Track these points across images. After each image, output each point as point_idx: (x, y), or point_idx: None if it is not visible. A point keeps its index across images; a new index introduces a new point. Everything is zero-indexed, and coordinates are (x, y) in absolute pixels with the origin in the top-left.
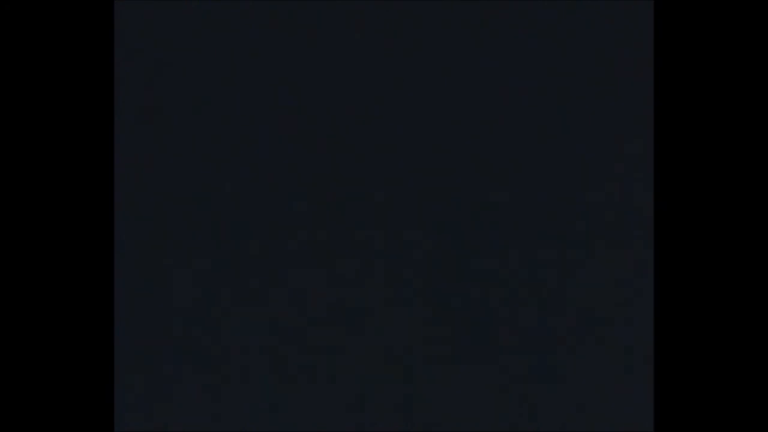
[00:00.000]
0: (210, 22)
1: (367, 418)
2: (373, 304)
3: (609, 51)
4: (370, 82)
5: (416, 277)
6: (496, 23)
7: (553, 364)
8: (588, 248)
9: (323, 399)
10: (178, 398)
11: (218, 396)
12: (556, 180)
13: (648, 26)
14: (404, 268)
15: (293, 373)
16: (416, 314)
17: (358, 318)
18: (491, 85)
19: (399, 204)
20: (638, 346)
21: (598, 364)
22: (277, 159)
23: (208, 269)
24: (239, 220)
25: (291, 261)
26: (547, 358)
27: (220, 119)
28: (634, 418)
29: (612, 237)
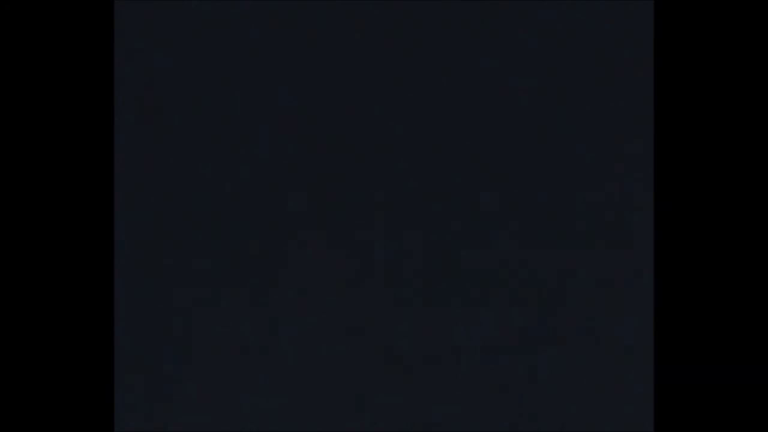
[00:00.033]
0: (210, 22)
1: (367, 418)
2: (373, 304)
3: (609, 51)
4: (370, 82)
5: (416, 277)
6: (496, 23)
7: (553, 364)
8: (588, 248)
9: (323, 399)
10: (178, 398)
11: (218, 396)
12: (556, 180)
13: (648, 26)
14: (404, 268)
15: (293, 373)
16: (416, 314)
17: (358, 318)
18: (491, 85)
19: (399, 204)
20: (638, 346)
21: (598, 364)
22: (277, 159)
23: (208, 269)
24: (239, 220)
25: (291, 261)
26: (547, 358)
27: (220, 119)
28: (634, 418)
29: (612, 237)
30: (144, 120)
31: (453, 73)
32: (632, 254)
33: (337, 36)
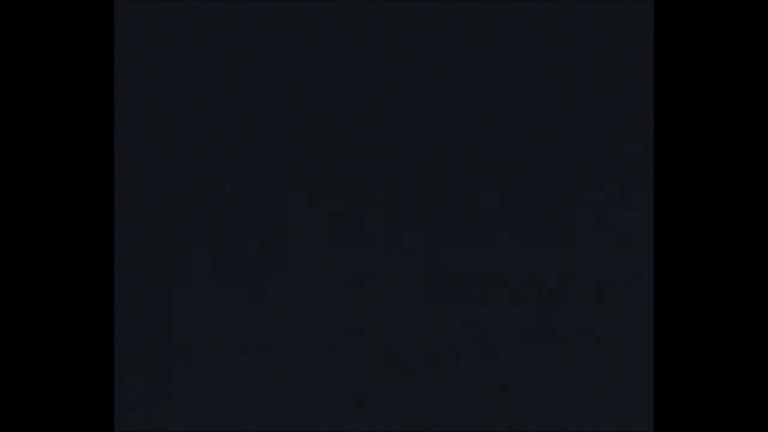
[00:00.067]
0: (210, 22)
1: (367, 418)
2: (373, 303)
3: (609, 51)
4: (370, 82)
5: (416, 277)
6: (496, 23)
7: (553, 364)
8: (588, 248)
9: (323, 399)
10: (178, 398)
11: (218, 396)
12: (556, 180)
13: (648, 26)
14: (404, 268)
15: (293, 373)
16: (416, 314)
17: (358, 318)
18: (491, 85)
19: (399, 204)
20: (638, 346)
21: (598, 364)
22: (277, 159)
23: (208, 269)
24: (239, 220)
25: (291, 261)
26: (547, 358)
27: (220, 119)
28: (634, 418)
29: (612, 237)
30: (144, 120)
31: (453, 73)
32: (632, 254)
33: (337, 36)
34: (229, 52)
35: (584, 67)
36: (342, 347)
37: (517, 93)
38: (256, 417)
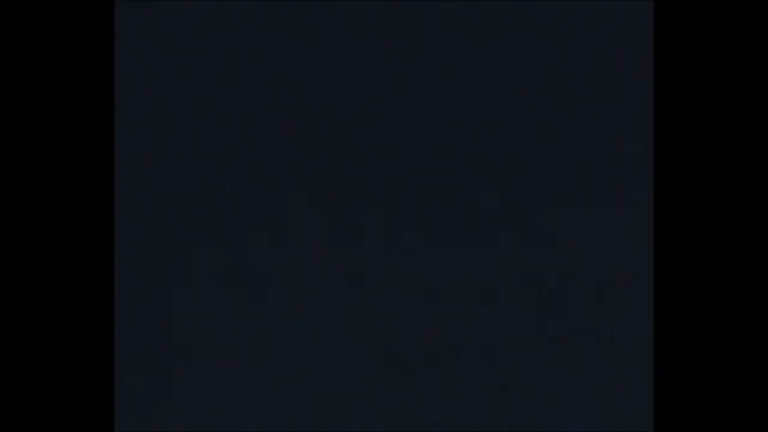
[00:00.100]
0: (210, 22)
1: (367, 418)
2: (373, 303)
3: (609, 51)
4: (370, 82)
5: (416, 277)
6: (496, 23)
7: (553, 364)
8: (588, 248)
9: (323, 399)
10: (178, 398)
11: (218, 396)
12: (556, 180)
13: (648, 26)
14: (404, 267)
15: (293, 373)
16: (416, 314)
17: (358, 318)
18: (491, 85)
19: (399, 204)
20: (638, 346)
21: (598, 364)
22: (277, 159)
23: (208, 269)
24: (239, 220)
25: (291, 261)
26: (547, 358)
27: (220, 119)
28: (634, 418)
29: (612, 238)
30: (144, 120)
31: (453, 73)
32: (632, 254)
33: (337, 36)
34: (229, 52)
35: (584, 67)
36: (342, 347)
37: (517, 93)
38: (256, 417)
